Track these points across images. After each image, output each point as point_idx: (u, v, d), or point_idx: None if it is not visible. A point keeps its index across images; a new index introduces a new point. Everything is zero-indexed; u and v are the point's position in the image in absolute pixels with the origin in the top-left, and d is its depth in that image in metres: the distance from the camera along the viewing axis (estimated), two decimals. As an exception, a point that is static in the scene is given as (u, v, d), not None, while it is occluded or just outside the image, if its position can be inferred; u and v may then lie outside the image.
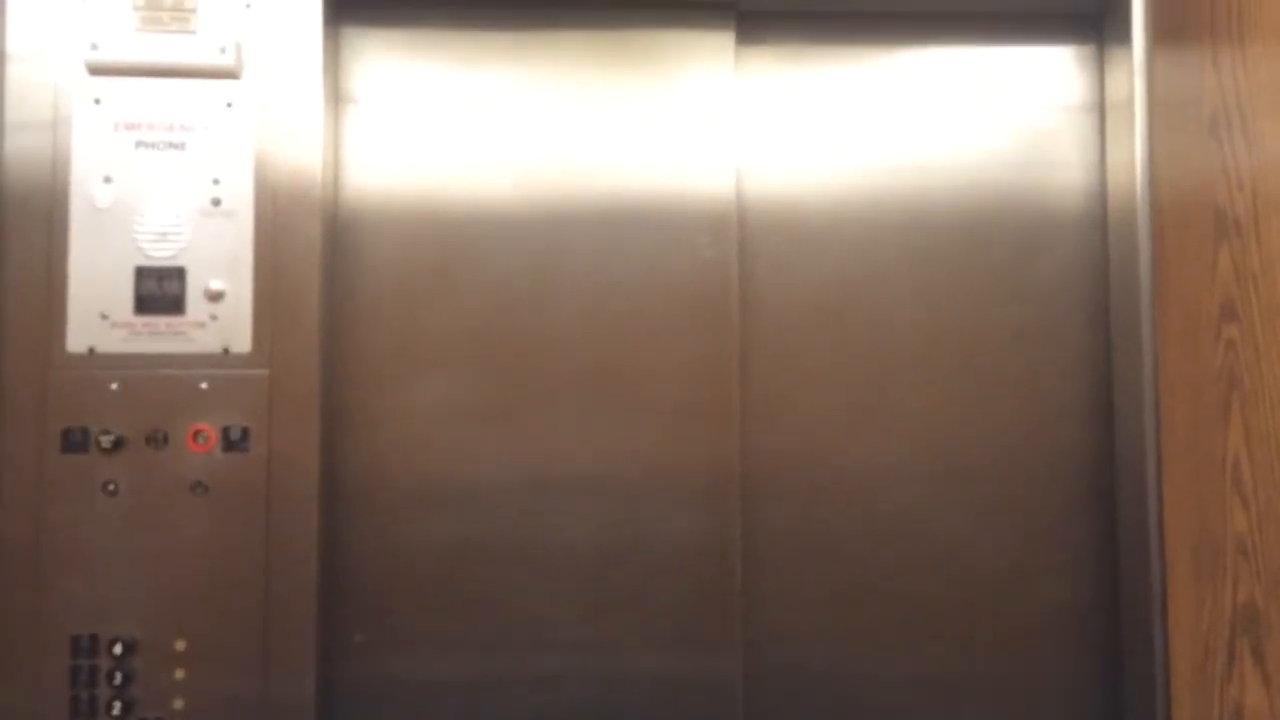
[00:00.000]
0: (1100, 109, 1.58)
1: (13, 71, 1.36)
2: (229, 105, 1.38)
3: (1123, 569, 1.51)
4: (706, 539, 1.49)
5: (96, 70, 1.36)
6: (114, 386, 1.34)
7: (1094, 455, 1.55)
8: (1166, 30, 1.43)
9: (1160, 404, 1.43)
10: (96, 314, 1.35)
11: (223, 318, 1.36)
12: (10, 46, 1.37)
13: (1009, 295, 1.56)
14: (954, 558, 1.53)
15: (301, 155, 1.39)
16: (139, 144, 1.36)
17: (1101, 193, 1.57)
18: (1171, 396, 1.40)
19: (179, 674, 1.33)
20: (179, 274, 1.36)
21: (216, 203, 1.37)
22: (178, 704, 1.33)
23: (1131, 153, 1.48)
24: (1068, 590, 1.54)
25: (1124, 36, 1.50)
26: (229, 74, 1.38)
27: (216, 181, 1.37)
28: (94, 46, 1.35)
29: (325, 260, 1.41)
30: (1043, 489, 1.55)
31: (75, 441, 1.33)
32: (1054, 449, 1.55)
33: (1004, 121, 1.58)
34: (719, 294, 1.51)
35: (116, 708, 1.32)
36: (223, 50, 1.37)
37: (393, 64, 1.52)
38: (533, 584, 1.48)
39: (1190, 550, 1.34)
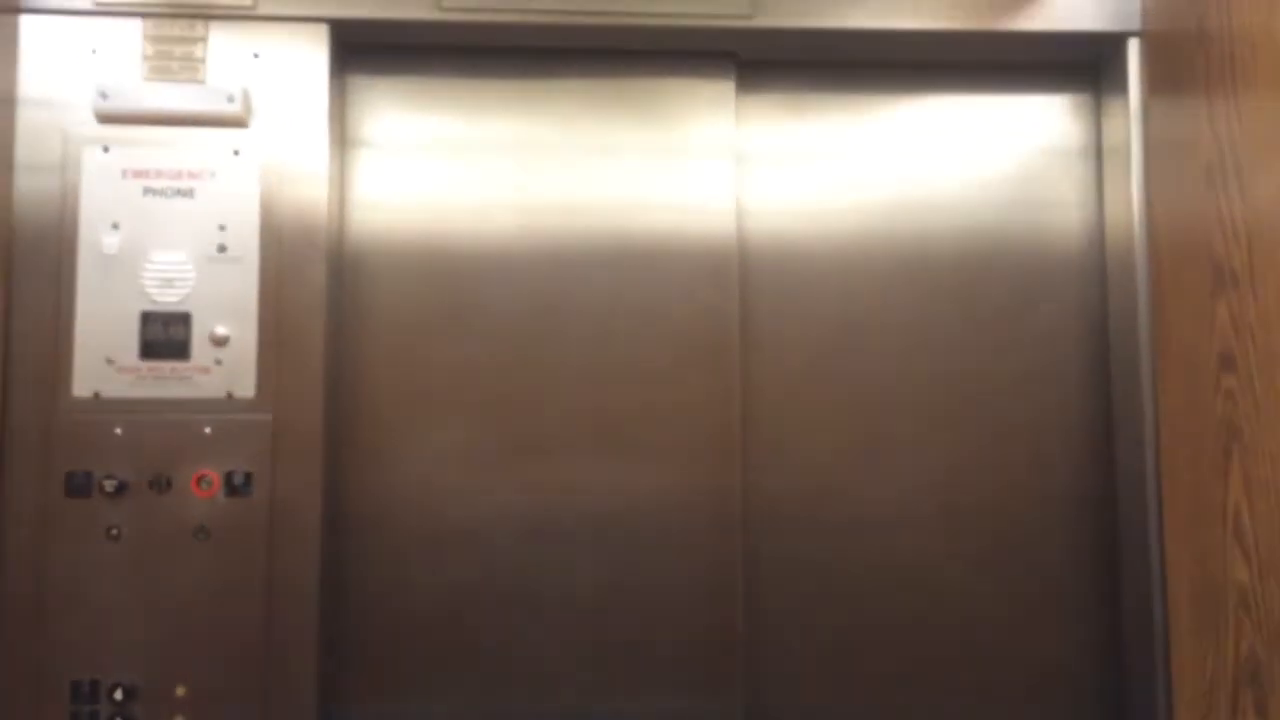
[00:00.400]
0: (1097, 155, 1.60)
1: (24, 117, 1.38)
2: (236, 153, 1.39)
3: (1125, 618, 1.51)
4: (709, 579, 1.49)
5: (105, 118, 1.38)
6: (118, 431, 1.35)
7: (1095, 500, 1.55)
8: (1161, 80, 1.45)
9: (1161, 451, 1.43)
10: (102, 359, 1.36)
11: (227, 363, 1.37)
12: (21, 92, 1.39)
13: (1009, 337, 1.57)
14: (955, 602, 1.53)
15: (307, 202, 1.41)
16: (147, 191, 1.38)
17: (1099, 236, 1.59)
18: (1172, 444, 1.40)
19: (179, 720, 1.34)
20: (184, 319, 1.37)
21: (222, 249, 1.38)
22: (177, 750, 1.33)
23: (1128, 199, 1.50)
24: (1070, 637, 1.54)
25: (1120, 86, 1.52)
26: (237, 122, 1.39)
27: (223, 228, 1.38)
28: (103, 95, 1.37)
29: (330, 304, 1.42)
30: (1044, 533, 1.55)
31: (79, 486, 1.34)
32: (1055, 492, 1.56)
33: (1001, 166, 1.60)
34: (721, 336, 1.52)
35: (116, 754, 1.32)
36: (231, 99, 1.38)
37: (398, 110, 1.54)
38: (535, 624, 1.48)
39: (1192, 600, 1.34)
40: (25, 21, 1.39)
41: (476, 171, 1.53)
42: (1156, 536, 1.43)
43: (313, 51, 1.42)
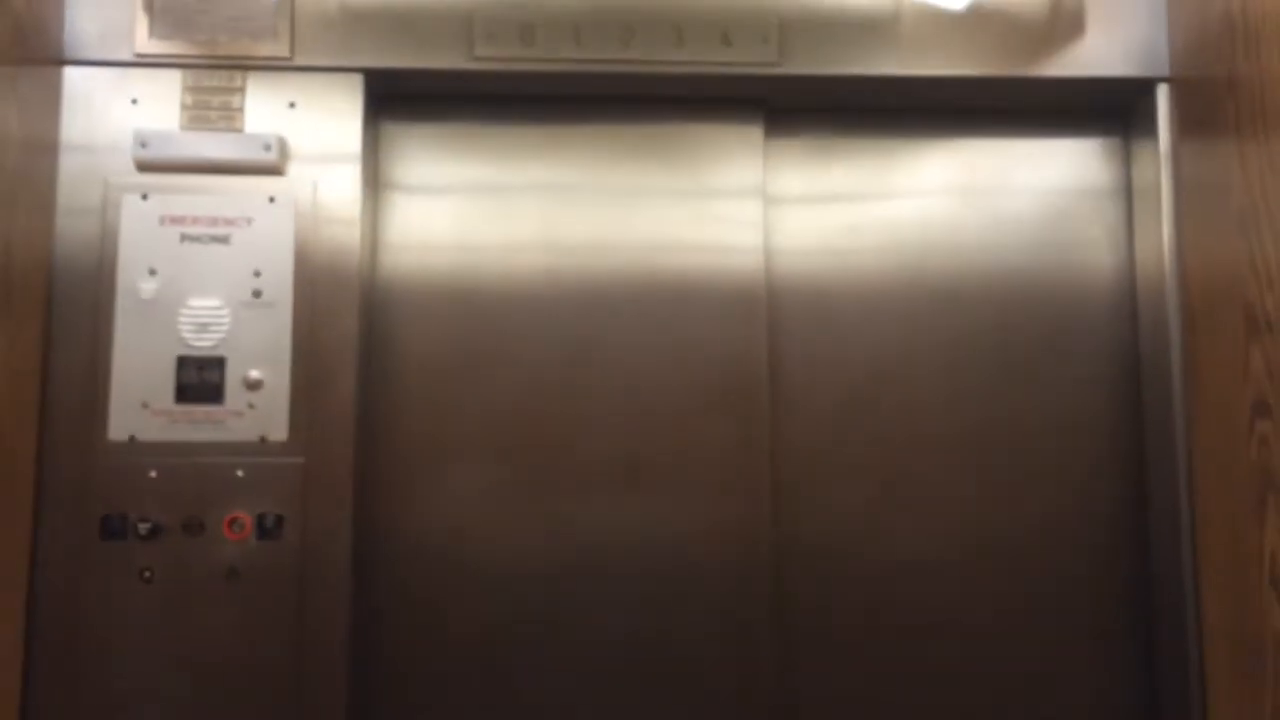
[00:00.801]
0: (1127, 198, 1.60)
1: (66, 164, 1.41)
2: (272, 200, 1.41)
3: (1161, 667, 1.49)
4: (737, 619, 1.48)
5: (145, 167, 1.40)
6: (153, 474, 1.36)
7: (1129, 546, 1.54)
8: (1191, 126, 1.45)
9: (1196, 498, 1.42)
10: (138, 403, 1.37)
11: (260, 406, 1.39)
12: (64, 141, 1.41)
13: (1041, 379, 1.57)
14: (987, 651, 1.52)
15: (340, 247, 1.42)
16: (184, 237, 1.40)
17: (1130, 279, 1.58)
18: (1207, 490, 1.39)
19: (209, 763, 1.34)
20: (219, 364, 1.39)
21: (257, 294, 1.40)
22: (207, 794, 1.33)
23: (1159, 243, 1.50)
24: (1105, 685, 1.52)
25: (1150, 131, 1.52)
26: (273, 170, 1.42)
27: (257, 274, 1.40)
28: (143, 144, 1.39)
29: (361, 347, 1.44)
30: (1077, 579, 1.54)
31: (114, 529, 1.35)
32: (1088, 537, 1.54)
33: (1029, 209, 1.60)
34: (749, 376, 1.52)
35: (147, 798, 1.32)
36: (267, 147, 1.41)
37: (430, 155, 1.56)
38: (563, 666, 1.47)
39: (1230, 649, 1.32)
40: (69, 73, 1.42)
41: (507, 215, 1.55)
42: (1192, 584, 1.41)
43: (348, 101, 1.45)
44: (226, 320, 1.39)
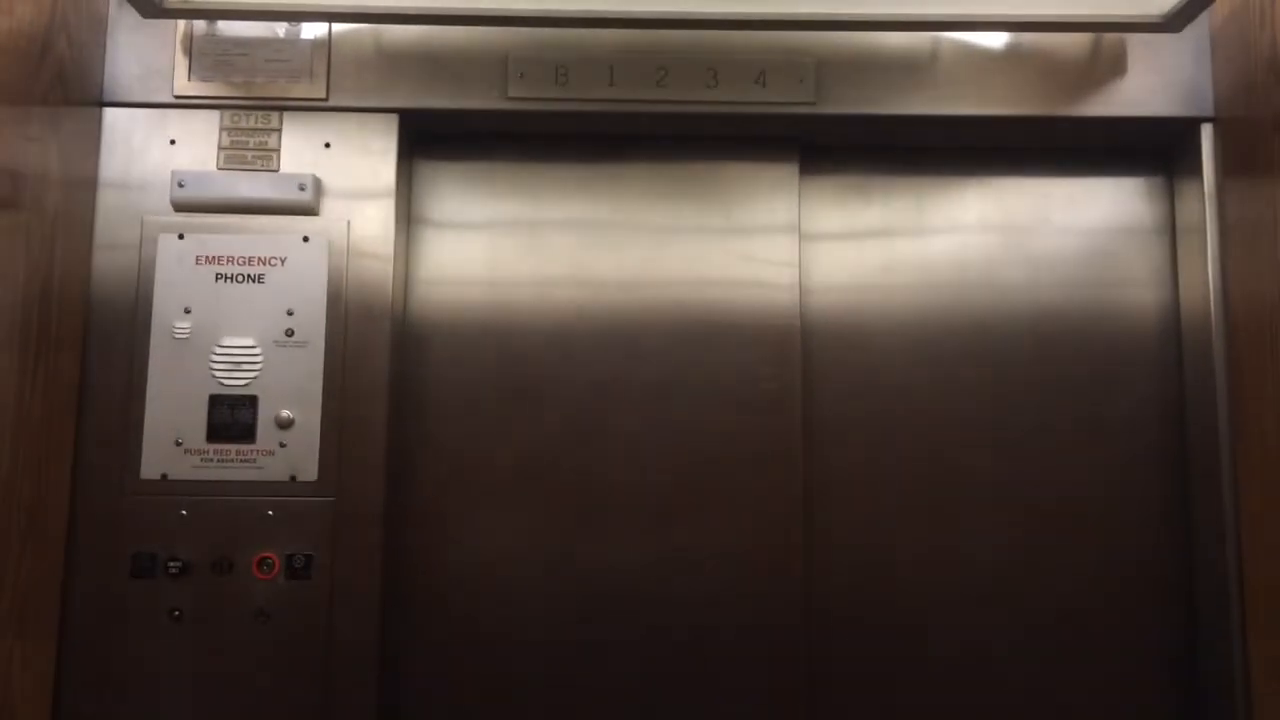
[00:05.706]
0: (1171, 236, 1.57)
1: (104, 205, 1.42)
2: (306, 239, 1.42)
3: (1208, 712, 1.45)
4: (769, 664, 1.46)
5: (181, 207, 1.41)
6: (183, 513, 1.36)
7: (1172, 594, 1.50)
8: (1236, 165, 1.42)
9: (1242, 536, 1.37)
10: (171, 441, 1.38)
11: (291, 445, 1.38)
12: (103, 181, 1.43)
13: (1083, 421, 1.53)
14: (1020, 704, 1.48)
15: (373, 287, 1.42)
16: (219, 277, 1.41)
17: (1175, 318, 1.55)
18: (1253, 528, 1.35)
19: (235, 806, 1.33)
20: (251, 402, 1.39)
21: (290, 333, 1.40)
22: (234, 837, 1.32)
23: (1204, 281, 1.47)
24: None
25: (1194, 170, 1.49)
26: (307, 210, 1.42)
27: (291, 313, 1.40)
28: (181, 184, 1.41)
29: (392, 384, 1.43)
30: (1119, 627, 1.49)
31: (144, 567, 1.35)
32: (1129, 584, 1.50)
33: (1070, 247, 1.57)
34: (783, 412, 1.50)
35: (172, 841, 1.31)
36: (302, 187, 1.41)
37: (463, 192, 1.56)
38: (592, 708, 1.45)
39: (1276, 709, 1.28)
40: (109, 113, 1.44)
41: (540, 252, 1.54)
42: (1239, 634, 1.37)
43: (383, 140, 1.45)
44: (260, 359, 1.39)
